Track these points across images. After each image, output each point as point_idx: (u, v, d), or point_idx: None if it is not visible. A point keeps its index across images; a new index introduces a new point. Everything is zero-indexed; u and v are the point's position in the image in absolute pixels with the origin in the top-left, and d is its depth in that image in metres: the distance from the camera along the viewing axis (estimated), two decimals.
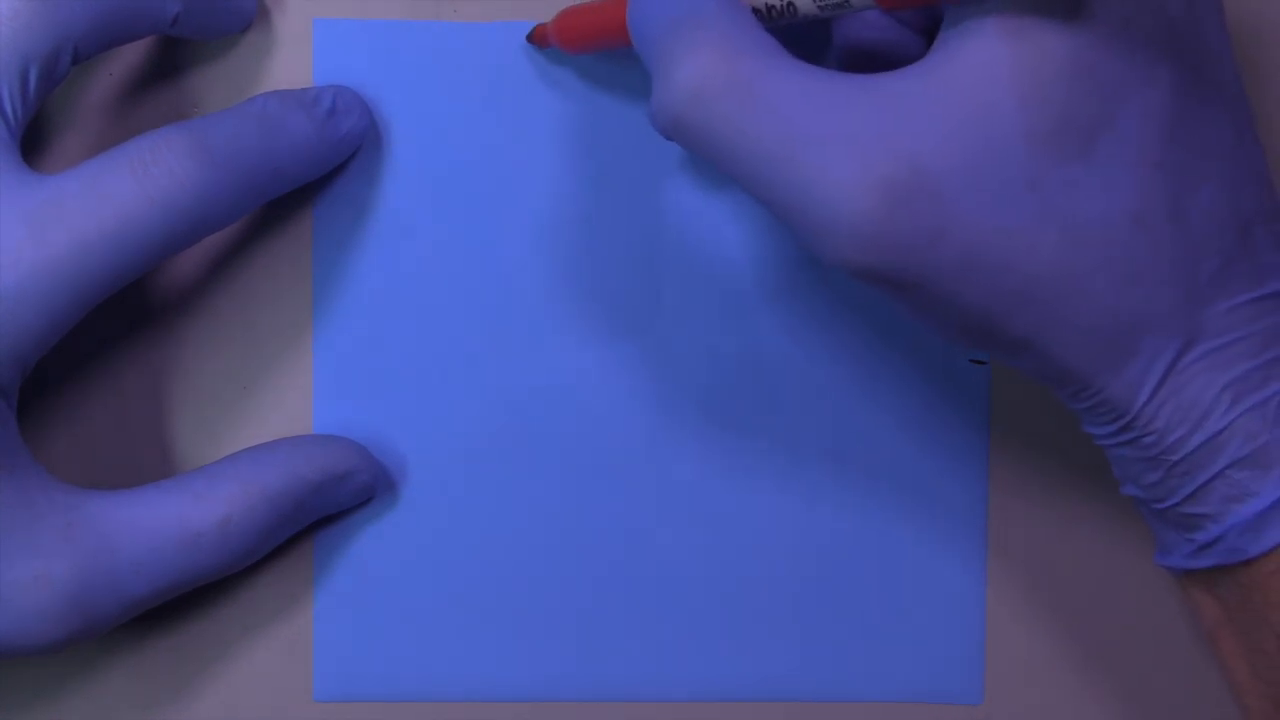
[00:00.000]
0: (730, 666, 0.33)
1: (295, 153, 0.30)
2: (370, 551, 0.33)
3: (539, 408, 0.33)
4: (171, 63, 0.32)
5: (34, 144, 0.32)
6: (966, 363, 0.33)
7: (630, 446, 0.33)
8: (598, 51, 0.31)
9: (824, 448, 0.33)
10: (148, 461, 0.33)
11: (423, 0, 0.32)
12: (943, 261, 0.24)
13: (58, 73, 0.29)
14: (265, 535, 0.30)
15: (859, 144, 0.24)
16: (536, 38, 0.32)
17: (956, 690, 0.33)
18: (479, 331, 0.33)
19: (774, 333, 0.33)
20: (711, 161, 0.26)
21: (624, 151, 0.32)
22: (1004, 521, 0.33)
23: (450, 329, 0.33)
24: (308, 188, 0.32)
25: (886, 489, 0.33)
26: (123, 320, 0.32)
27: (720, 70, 0.25)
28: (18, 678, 0.33)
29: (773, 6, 0.26)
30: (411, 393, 0.33)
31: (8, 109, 0.28)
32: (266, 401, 0.33)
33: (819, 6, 0.26)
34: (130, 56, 0.32)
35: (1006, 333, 0.25)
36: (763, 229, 0.32)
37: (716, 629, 0.33)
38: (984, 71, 0.24)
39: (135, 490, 0.29)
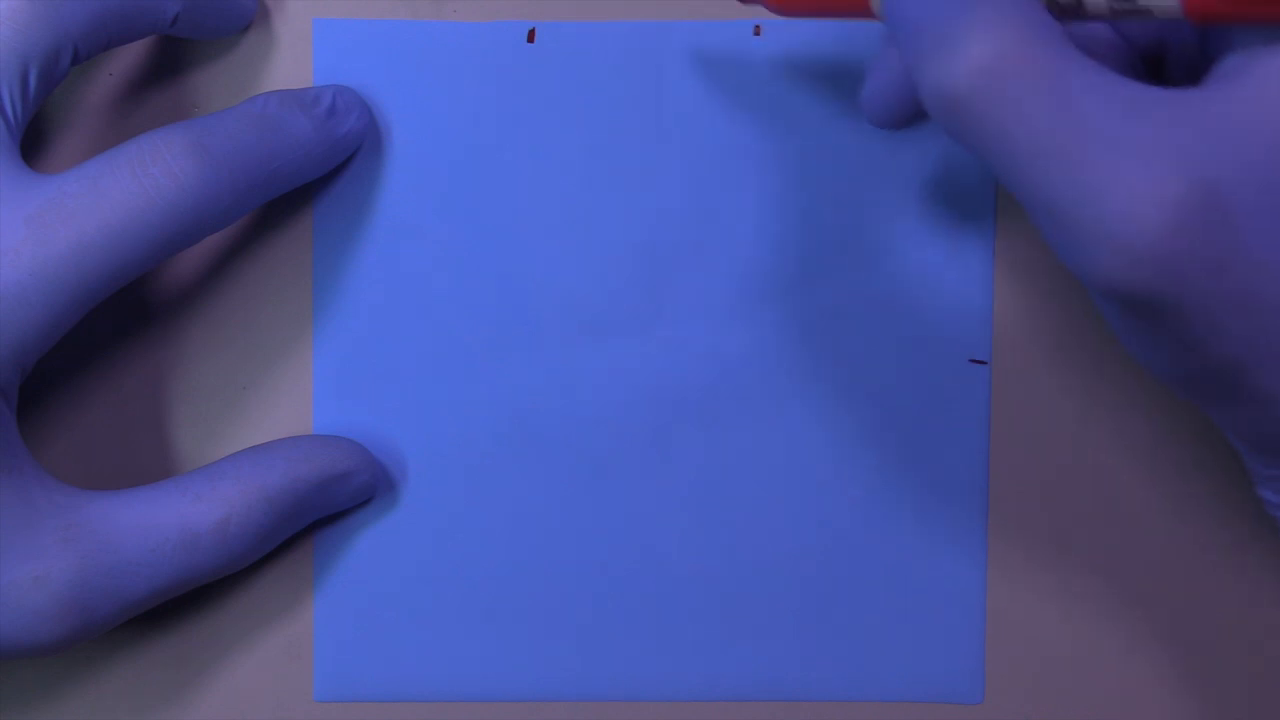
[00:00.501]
0: (730, 666, 0.33)
1: (295, 153, 0.30)
2: (370, 551, 0.33)
3: (539, 407, 0.33)
4: (171, 63, 0.32)
5: (34, 144, 0.32)
6: (966, 363, 0.33)
7: (630, 446, 0.33)
8: (815, 16, 0.28)
9: (824, 448, 0.33)
10: (147, 461, 0.33)
11: (423, 0, 0.32)
12: (1218, 295, 0.22)
13: (58, 73, 0.29)
14: (265, 535, 0.30)
15: (1156, 155, 0.22)
16: None
17: (956, 690, 0.33)
18: (479, 331, 0.33)
19: (774, 333, 0.33)
20: (977, 149, 0.24)
21: (624, 151, 0.32)
22: (1004, 521, 0.33)
23: (450, 329, 0.33)
24: (308, 188, 0.32)
25: (886, 489, 0.33)
26: (123, 320, 0.32)
27: (1018, 52, 0.23)
28: (18, 678, 0.33)
29: (1055, 1, 0.25)
30: (411, 393, 0.33)
31: (8, 109, 0.28)
32: (266, 401, 0.33)
33: (1111, 9, 0.24)
34: (130, 56, 0.32)
35: (1258, 385, 0.23)
36: (762, 229, 0.32)
37: (717, 629, 0.33)
38: None
39: (135, 490, 0.29)
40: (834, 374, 0.33)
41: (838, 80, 0.32)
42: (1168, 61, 0.27)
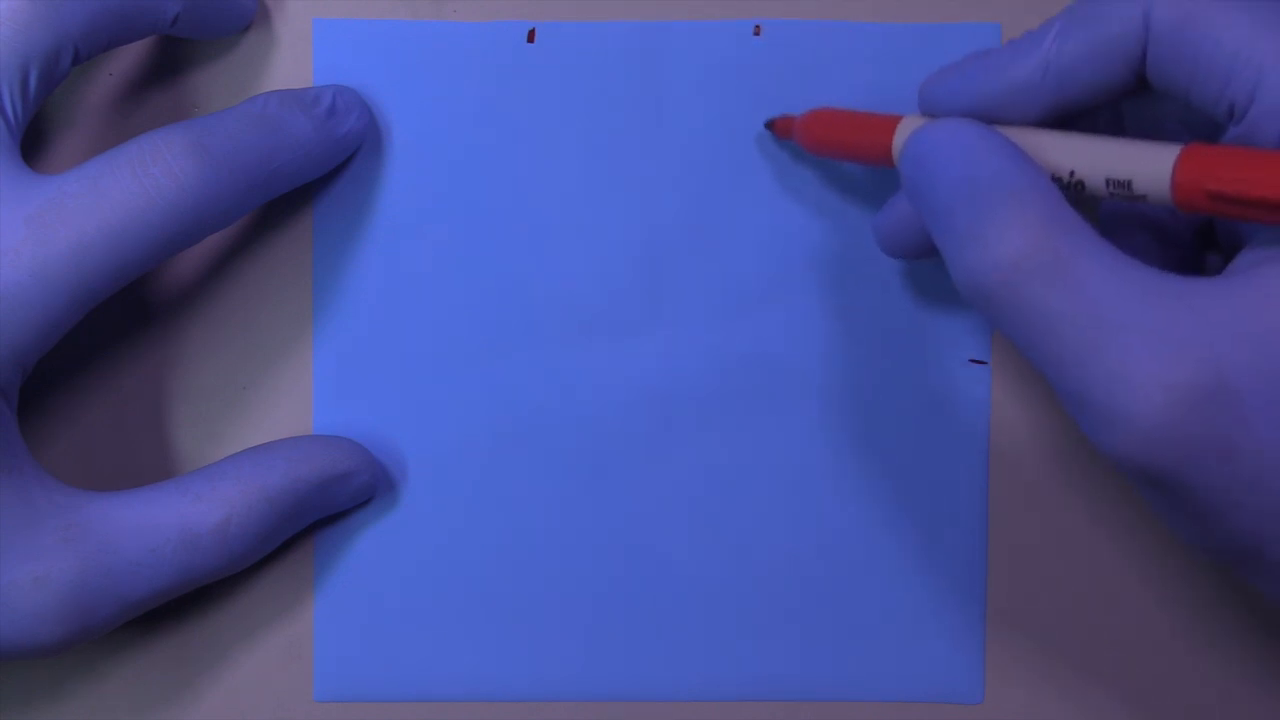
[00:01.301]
0: (730, 666, 0.33)
1: (295, 153, 0.30)
2: (370, 551, 0.33)
3: (539, 407, 0.33)
4: (171, 63, 0.32)
5: (34, 144, 0.32)
6: (966, 363, 0.33)
7: (630, 446, 0.33)
8: (841, 159, 0.31)
9: (824, 448, 0.33)
10: (147, 462, 0.33)
11: (423, 0, 0.32)
12: (1228, 478, 0.24)
13: (58, 73, 0.29)
14: (265, 536, 0.30)
15: (1166, 342, 0.23)
16: (778, 128, 0.32)
17: (956, 690, 0.33)
18: (479, 331, 0.33)
19: (774, 333, 0.33)
20: (1003, 330, 0.25)
21: (624, 151, 0.32)
22: (1004, 521, 0.33)
23: (450, 329, 0.33)
24: (308, 188, 0.32)
25: (886, 489, 0.33)
26: (123, 320, 0.32)
27: (1046, 246, 0.24)
28: (18, 678, 0.33)
29: (1059, 178, 0.26)
30: (411, 393, 0.33)
31: (8, 109, 0.28)
32: (266, 401, 0.33)
33: (1109, 191, 0.26)
34: (130, 56, 0.32)
35: (1275, 559, 0.24)
36: (762, 229, 0.32)
37: (716, 629, 0.33)
38: None
39: (135, 491, 0.29)
40: (834, 374, 0.33)
41: (838, 81, 0.32)
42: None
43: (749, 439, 0.33)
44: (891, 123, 0.29)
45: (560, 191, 0.33)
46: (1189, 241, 0.29)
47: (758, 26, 0.32)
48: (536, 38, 0.32)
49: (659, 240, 0.33)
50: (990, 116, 0.27)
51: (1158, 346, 0.23)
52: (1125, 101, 0.28)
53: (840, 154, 0.30)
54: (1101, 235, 0.25)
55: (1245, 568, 0.25)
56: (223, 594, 0.33)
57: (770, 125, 0.32)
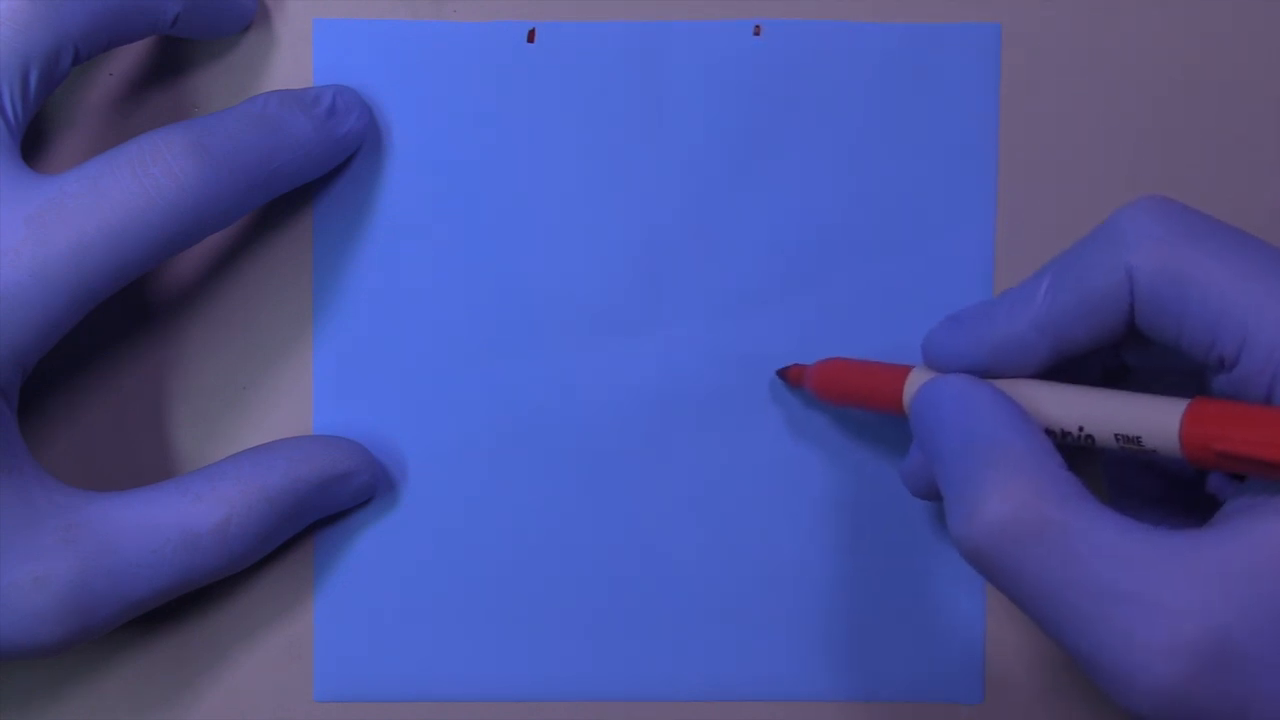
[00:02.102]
0: (730, 666, 0.33)
1: (295, 153, 0.30)
2: (370, 551, 0.33)
3: (539, 407, 0.33)
4: (171, 63, 0.32)
5: (34, 144, 0.32)
6: None
7: (630, 446, 0.33)
8: (854, 407, 0.31)
9: (824, 448, 0.33)
10: (147, 461, 0.33)
11: (423, 0, 0.32)
12: None
13: (58, 73, 0.29)
14: (265, 536, 0.30)
15: (1167, 608, 0.24)
16: (791, 378, 0.32)
17: (956, 690, 0.33)
18: (479, 331, 0.33)
19: (774, 333, 0.33)
20: (1001, 590, 0.25)
21: (624, 151, 0.32)
22: None
23: (450, 329, 0.33)
24: (308, 188, 0.32)
25: (887, 489, 0.33)
26: (123, 320, 0.32)
27: (1031, 513, 0.25)
28: (18, 678, 0.33)
29: (1068, 433, 0.27)
30: (411, 393, 0.33)
31: (8, 109, 0.28)
32: (266, 401, 0.33)
33: (1119, 445, 0.26)
34: (130, 56, 0.32)
35: None
36: (762, 229, 0.32)
37: (717, 629, 0.33)
38: None
39: (135, 491, 0.29)
40: None
41: (838, 81, 0.32)
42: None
43: (749, 439, 0.33)
44: (900, 374, 0.29)
45: (560, 191, 0.33)
46: (1193, 473, 0.29)
47: (758, 26, 0.32)
48: (536, 38, 0.32)
49: (659, 240, 0.33)
50: (992, 371, 0.28)
51: (1158, 613, 0.24)
52: (1124, 345, 0.28)
53: (852, 403, 0.31)
54: (1093, 495, 0.25)
55: None
56: (223, 594, 0.33)
57: (782, 374, 0.32)
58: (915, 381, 0.29)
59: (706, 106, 0.32)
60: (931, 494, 0.29)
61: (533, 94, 0.32)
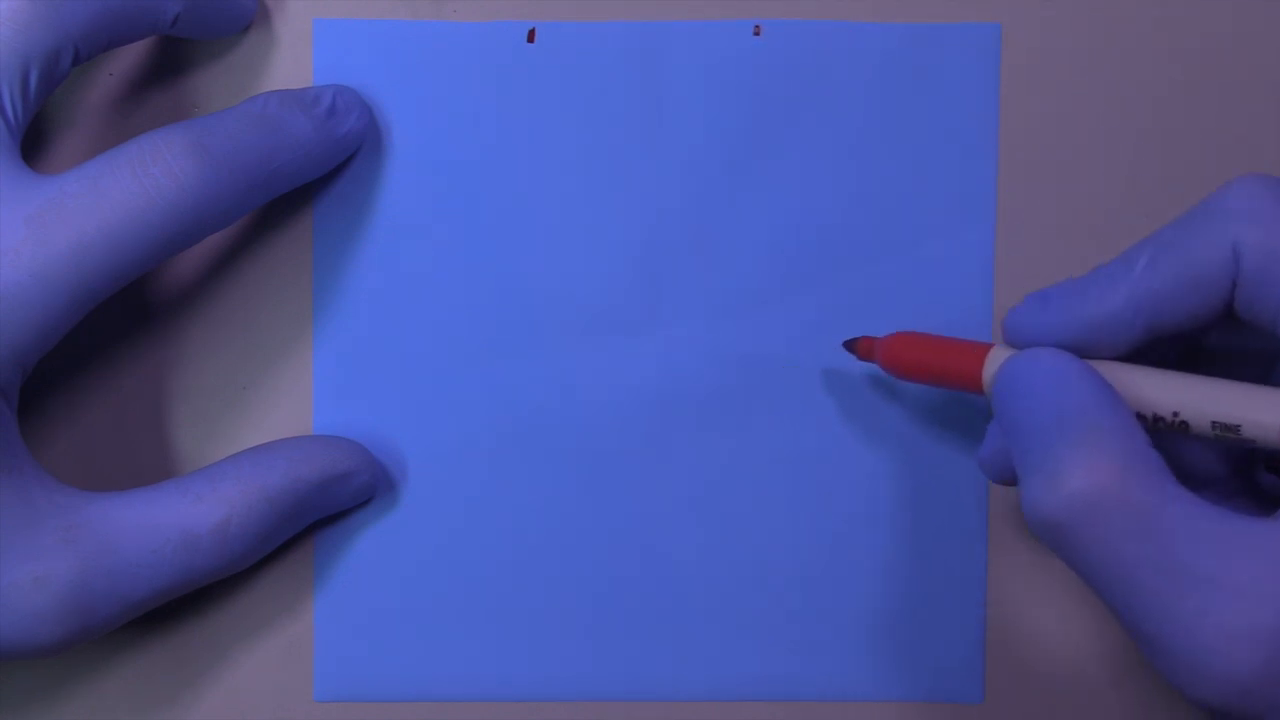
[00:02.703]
0: (730, 666, 0.33)
1: (295, 153, 0.30)
2: (370, 551, 0.33)
3: (539, 407, 0.33)
4: (171, 63, 0.32)
5: (34, 144, 0.32)
6: None
7: (630, 446, 0.33)
8: (928, 383, 0.30)
9: (823, 448, 0.33)
10: (148, 461, 0.33)
11: (423, 0, 0.32)
12: None
13: (58, 73, 0.29)
14: (265, 536, 0.30)
15: (1246, 593, 0.23)
16: (860, 349, 0.31)
17: (956, 690, 0.33)
18: (479, 331, 0.33)
19: (774, 333, 0.33)
20: (1074, 568, 0.25)
21: (624, 151, 0.32)
22: (1004, 521, 0.33)
23: (450, 329, 0.33)
24: (308, 188, 0.32)
25: (886, 489, 0.33)
26: (123, 320, 0.32)
27: (1116, 488, 0.24)
28: (18, 678, 0.33)
29: (1161, 418, 0.26)
30: (411, 393, 0.33)
31: (8, 109, 0.28)
32: (266, 401, 0.33)
33: (1214, 433, 0.26)
34: (130, 56, 0.32)
35: None
36: (762, 229, 0.32)
37: (716, 629, 0.33)
38: None
39: (135, 492, 0.29)
40: (833, 374, 0.33)
41: (838, 81, 0.32)
42: None
43: (749, 439, 0.33)
44: (980, 351, 0.28)
45: (560, 191, 0.33)
46: (1248, 461, 0.29)
47: (758, 26, 0.32)
48: (536, 38, 0.32)
49: (659, 240, 0.33)
50: (1082, 351, 0.27)
51: (1237, 598, 0.23)
52: (1214, 328, 0.28)
53: (925, 378, 0.30)
54: (1178, 481, 0.25)
55: None
56: (223, 594, 0.33)
57: (850, 346, 0.31)
58: (998, 357, 0.28)
59: (706, 107, 0.32)
60: (1009, 477, 0.29)
61: (533, 94, 0.32)
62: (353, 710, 0.33)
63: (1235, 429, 0.25)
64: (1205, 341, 0.29)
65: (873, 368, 0.32)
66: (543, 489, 0.33)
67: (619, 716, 0.33)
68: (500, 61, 0.32)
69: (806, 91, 0.32)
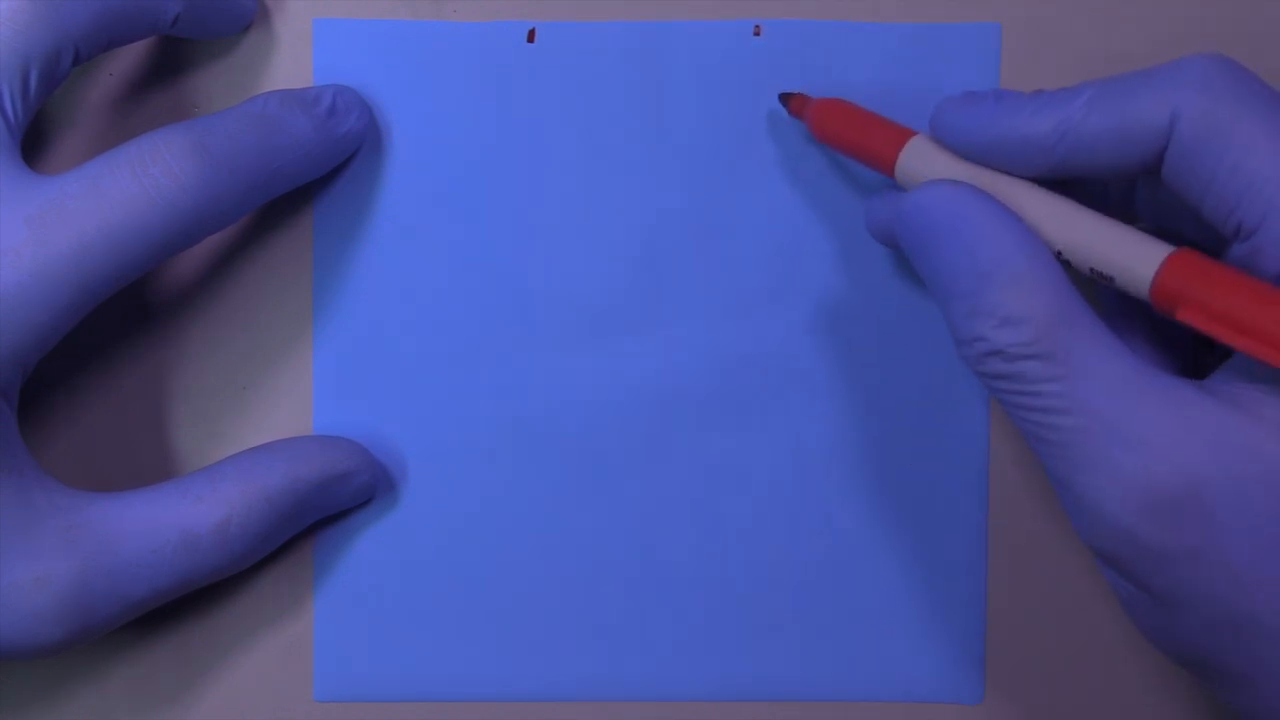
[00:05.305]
0: (730, 666, 0.33)
1: (295, 153, 0.30)
2: (370, 551, 0.33)
3: (539, 407, 0.33)
4: (171, 63, 0.32)
5: (34, 144, 0.32)
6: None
7: (630, 446, 0.33)
8: (844, 152, 0.30)
9: (824, 448, 0.33)
10: (148, 462, 0.33)
11: (423, 0, 0.32)
12: (1188, 579, 0.24)
13: (58, 73, 0.29)
14: (265, 536, 0.30)
15: (1147, 447, 0.24)
16: (792, 105, 0.31)
17: (956, 690, 0.33)
18: (479, 331, 0.33)
19: (774, 333, 0.33)
20: (1001, 403, 0.26)
21: (624, 151, 0.32)
22: (1004, 521, 0.33)
23: (450, 329, 0.33)
24: (308, 188, 0.32)
25: (887, 489, 0.33)
26: (123, 320, 0.32)
27: (1042, 336, 0.25)
28: (18, 678, 0.33)
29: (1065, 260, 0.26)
30: (411, 393, 0.33)
31: (8, 109, 0.28)
32: (266, 401, 0.33)
33: (1091, 277, 0.26)
34: (130, 56, 0.32)
35: (1228, 667, 0.25)
36: (762, 229, 0.32)
37: (716, 629, 0.33)
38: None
39: (135, 492, 0.29)
40: (834, 374, 0.33)
41: (838, 81, 0.32)
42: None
43: (749, 439, 0.33)
44: (900, 137, 0.29)
45: (560, 191, 0.33)
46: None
47: (758, 26, 0.32)
48: (536, 38, 0.32)
49: (659, 240, 0.33)
50: (993, 162, 0.27)
51: (1137, 450, 0.24)
52: (1137, 192, 0.28)
53: (844, 151, 0.30)
54: (1102, 323, 0.25)
55: (1209, 680, 0.26)
56: (223, 594, 0.33)
57: (785, 100, 0.32)
58: (915, 151, 0.28)
59: (707, 107, 0.32)
60: (890, 241, 0.30)
61: (533, 94, 0.32)
62: (353, 710, 0.33)
63: (1110, 279, 0.26)
64: (1137, 207, 0.29)
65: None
66: (543, 489, 0.33)
67: (619, 716, 0.33)
68: (500, 61, 0.32)
69: (806, 91, 0.32)
